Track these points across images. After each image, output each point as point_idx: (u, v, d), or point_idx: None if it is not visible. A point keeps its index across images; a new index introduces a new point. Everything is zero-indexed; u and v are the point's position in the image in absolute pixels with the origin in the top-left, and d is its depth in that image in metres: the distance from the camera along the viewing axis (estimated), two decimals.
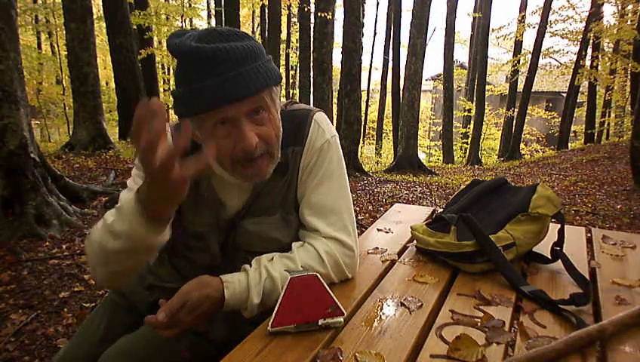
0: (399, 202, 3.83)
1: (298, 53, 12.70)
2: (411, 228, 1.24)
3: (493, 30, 15.86)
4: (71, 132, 7.65)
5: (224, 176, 0.94)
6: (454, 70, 16.51)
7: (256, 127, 0.84)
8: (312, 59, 10.70)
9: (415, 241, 1.22)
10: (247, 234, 0.97)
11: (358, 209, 4.97)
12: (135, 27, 9.50)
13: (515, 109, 14.72)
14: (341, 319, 0.81)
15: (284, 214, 0.99)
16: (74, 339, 1.09)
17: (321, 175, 0.98)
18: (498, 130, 19.82)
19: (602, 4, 12.84)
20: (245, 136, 0.82)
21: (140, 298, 1.07)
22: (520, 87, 15.11)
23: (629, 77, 12.83)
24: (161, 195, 0.72)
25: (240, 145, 0.83)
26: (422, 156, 14.70)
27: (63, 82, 14.66)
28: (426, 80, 22.16)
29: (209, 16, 19.56)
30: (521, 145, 15.98)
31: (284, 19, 15.78)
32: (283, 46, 16.91)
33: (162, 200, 0.73)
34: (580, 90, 16.11)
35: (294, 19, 16.47)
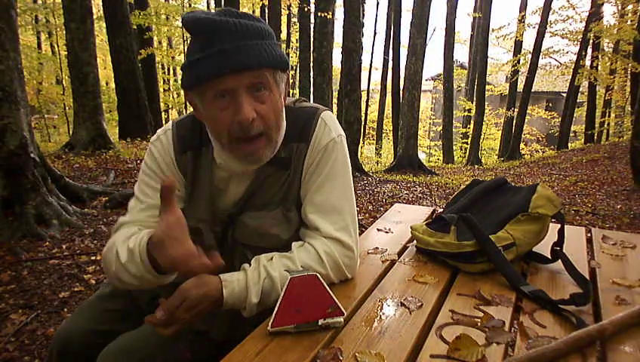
0: (399, 202, 3.83)
1: (298, 53, 12.70)
2: (411, 228, 1.24)
3: (493, 30, 15.87)
4: (71, 132, 7.65)
5: (224, 164, 0.94)
6: (454, 70, 16.51)
7: (255, 103, 0.85)
8: (312, 59, 10.69)
9: (415, 241, 1.22)
10: (246, 229, 0.97)
11: (358, 209, 4.95)
12: (135, 27, 9.51)
13: (515, 109, 14.73)
14: (341, 319, 0.81)
15: (284, 211, 0.98)
16: (74, 315, 1.12)
17: (325, 174, 0.97)
18: (498, 130, 19.82)
19: (602, 4, 12.85)
20: (243, 108, 0.82)
21: (141, 291, 1.07)
22: (520, 87, 15.11)
23: (629, 77, 12.82)
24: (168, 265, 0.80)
25: (237, 117, 0.83)
26: (422, 156, 14.70)
27: (63, 82, 14.66)
28: (426, 80, 22.16)
29: None
30: (521, 145, 15.99)
31: (284, 19, 15.77)
32: (283, 46, 16.91)
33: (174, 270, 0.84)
34: (580, 90, 16.11)
35: (294, 19, 16.46)
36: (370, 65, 20.16)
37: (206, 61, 0.80)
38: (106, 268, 0.92)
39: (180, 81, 0.93)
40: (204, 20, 0.80)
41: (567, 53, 16.36)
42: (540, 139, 21.04)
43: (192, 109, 0.96)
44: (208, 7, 19.88)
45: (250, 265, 0.92)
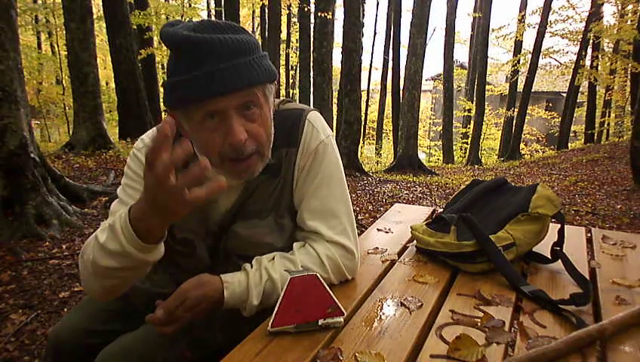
0: (399, 202, 3.83)
1: (298, 53, 12.70)
2: (411, 228, 1.24)
3: (493, 30, 15.86)
4: (71, 132, 7.65)
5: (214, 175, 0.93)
6: (454, 70, 16.51)
7: (246, 123, 0.82)
8: (312, 59, 10.70)
9: (415, 241, 1.22)
10: (238, 239, 0.95)
11: (358, 209, 4.97)
12: (135, 27, 9.50)
13: (515, 109, 14.73)
14: (341, 319, 0.81)
15: (276, 218, 0.96)
16: (69, 314, 1.11)
17: (319, 178, 0.95)
18: (498, 130, 19.82)
19: (602, 4, 12.84)
20: (234, 130, 0.79)
21: (137, 293, 1.07)
22: (520, 87, 15.11)
23: (629, 77, 12.82)
24: (156, 208, 0.70)
25: (228, 139, 0.80)
26: (422, 156, 14.70)
27: (63, 82, 14.67)
28: (426, 80, 22.16)
29: (209, 17, 19.58)
30: (521, 145, 15.99)
31: (284, 19, 15.78)
32: (283, 46, 16.91)
33: (156, 214, 0.71)
34: (580, 90, 16.11)
35: (294, 19, 16.47)
36: (370, 65, 20.17)
37: (193, 82, 0.76)
38: (82, 261, 0.85)
39: (163, 99, 0.86)
40: (187, 38, 0.76)
41: (567, 53, 16.37)
42: (540, 139, 21.04)
43: None
44: (208, 7, 19.89)
45: (251, 265, 0.91)
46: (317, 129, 0.96)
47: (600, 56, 14.49)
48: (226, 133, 0.80)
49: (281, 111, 0.97)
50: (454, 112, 16.15)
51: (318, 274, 0.83)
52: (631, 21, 12.23)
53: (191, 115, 0.81)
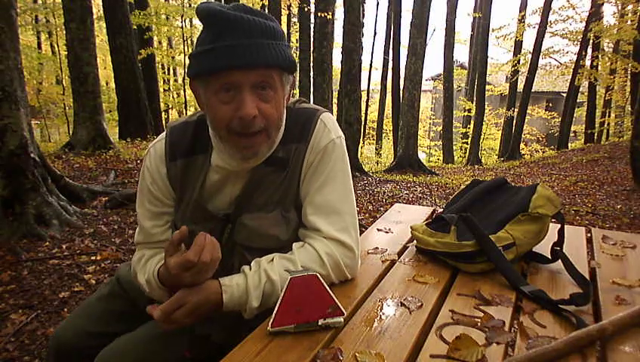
0: (399, 202, 3.83)
1: (298, 53, 12.69)
2: (411, 228, 1.23)
3: (493, 30, 15.86)
4: (71, 132, 7.65)
5: (221, 163, 0.94)
6: (454, 70, 16.51)
7: (259, 101, 0.85)
8: (312, 59, 10.69)
9: (415, 241, 1.22)
10: (245, 230, 0.96)
11: (358, 209, 4.95)
12: (135, 27, 9.51)
13: (515, 109, 14.73)
14: (341, 319, 0.81)
15: (283, 211, 0.98)
16: (72, 315, 1.12)
17: (325, 175, 0.97)
18: (498, 130, 19.81)
19: (602, 4, 12.85)
20: (246, 104, 0.83)
21: (140, 293, 1.07)
22: (520, 87, 15.11)
23: (629, 77, 12.84)
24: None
25: (239, 112, 0.83)
26: (422, 156, 14.70)
27: (63, 82, 14.66)
28: (426, 80, 22.16)
29: None
30: (521, 145, 15.99)
31: (284, 19, 15.76)
32: None
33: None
34: (580, 90, 16.11)
35: (294, 20, 16.46)
36: (370, 65, 20.15)
37: (215, 53, 0.81)
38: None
39: (185, 73, 0.94)
40: (217, 13, 0.81)
41: (567, 53, 16.38)
42: (540, 139, 21.04)
43: (189, 112, 0.96)
44: None
45: (249, 267, 0.91)
46: (329, 128, 0.98)
47: (600, 56, 14.49)
48: (238, 106, 0.84)
49: (296, 109, 1.00)
50: (454, 112, 16.15)
51: (318, 275, 0.83)
52: (631, 21, 12.23)
53: (209, 85, 0.85)
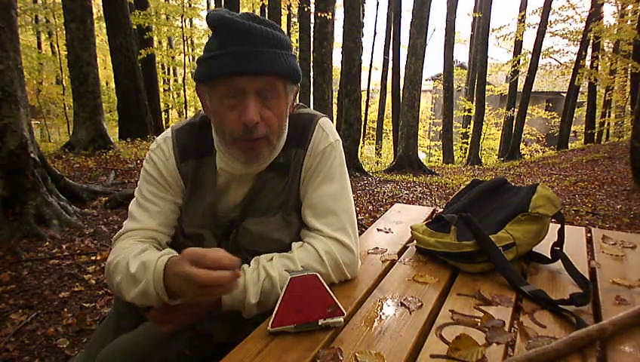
0: (399, 202, 3.83)
1: (298, 53, 12.69)
2: (411, 228, 1.23)
3: (493, 30, 15.86)
4: (71, 132, 7.65)
5: (225, 167, 0.95)
6: (454, 70, 16.51)
7: (262, 108, 0.87)
8: (312, 59, 10.69)
9: (415, 241, 1.22)
10: (249, 235, 0.97)
11: (358, 209, 4.97)
12: (135, 27, 9.51)
13: (515, 109, 14.72)
14: (341, 319, 0.81)
15: (285, 215, 0.99)
16: (87, 348, 1.10)
17: (322, 176, 0.99)
18: (498, 130, 19.81)
19: (602, 4, 12.85)
20: (249, 110, 0.84)
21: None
22: (520, 87, 15.10)
23: (629, 77, 12.83)
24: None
25: (242, 118, 0.85)
26: (422, 156, 14.70)
27: (63, 82, 14.67)
28: (426, 80, 22.17)
29: None
30: (521, 145, 15.99)
31: (284, 19, 15.76)
32: None
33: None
34: (580, 90, 16.11)
35: (294, 20, 16.46)
36: (370, 65, 20.15)
37: (222, 59, 0.83)
38: (109, 274, 0.91)
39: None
40: (227, 20, 0.83)
41: (567, 53, 16.40)
42: (540, 139, 21.04)
43: (190, 114, 0.97)
44: (208, 7, 19.89)
45: (248, 264, 0.92)
46: (327, 133, 1.01)
47: (600, 56, 14.49)
48: (242, 112, 0.85)
49: (295, 115, 1.02)
50: (454, 112, 16.15)
51: (318, 275, 0.83)
52: (631, 21, 12.23)
53: (214, 90, 0.87)
